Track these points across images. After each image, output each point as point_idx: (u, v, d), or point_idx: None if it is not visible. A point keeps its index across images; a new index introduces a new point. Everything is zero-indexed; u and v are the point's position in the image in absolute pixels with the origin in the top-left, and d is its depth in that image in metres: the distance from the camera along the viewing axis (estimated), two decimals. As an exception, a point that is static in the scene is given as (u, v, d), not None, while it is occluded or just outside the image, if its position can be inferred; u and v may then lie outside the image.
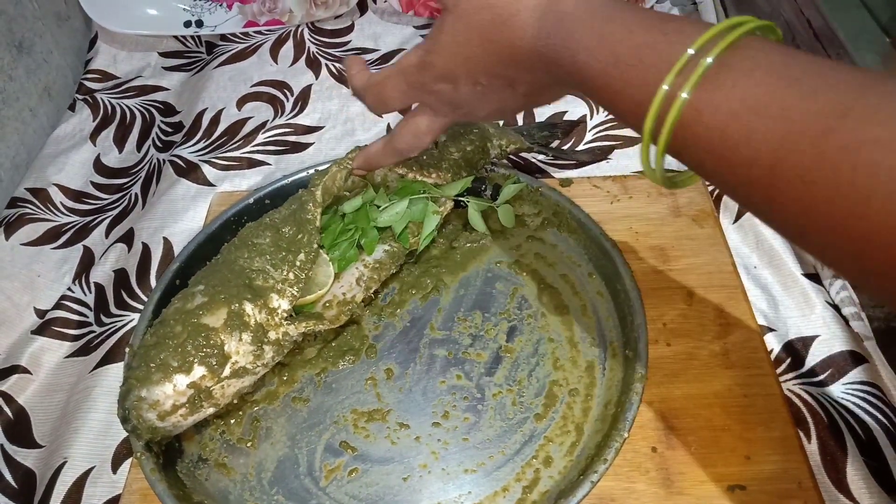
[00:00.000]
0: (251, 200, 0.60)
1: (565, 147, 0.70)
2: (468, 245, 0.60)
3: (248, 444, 0.49)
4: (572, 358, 0.52)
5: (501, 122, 0.72)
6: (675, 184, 0.35)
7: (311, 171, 0.61)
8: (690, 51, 0.28)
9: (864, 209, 0.23)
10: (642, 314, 0.51)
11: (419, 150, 0.48)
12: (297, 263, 0.50)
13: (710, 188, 0.62)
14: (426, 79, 0.41)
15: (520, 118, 0.72)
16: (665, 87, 0.28)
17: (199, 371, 0.44)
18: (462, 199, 0.58)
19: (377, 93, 0.45)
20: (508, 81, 0.38)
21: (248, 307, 0.47)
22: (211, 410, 0.46)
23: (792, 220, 0.26)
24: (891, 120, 0.23)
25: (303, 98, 0.78)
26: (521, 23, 0.35)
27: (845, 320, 0.54)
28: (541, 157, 0.68)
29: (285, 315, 0.48)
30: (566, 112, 0.72)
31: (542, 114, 0.73)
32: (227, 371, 0.45)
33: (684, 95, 0.28)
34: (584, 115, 0.72)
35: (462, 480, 0.47)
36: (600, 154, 0.68)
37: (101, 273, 0.63)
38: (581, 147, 0.70)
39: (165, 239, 0.64)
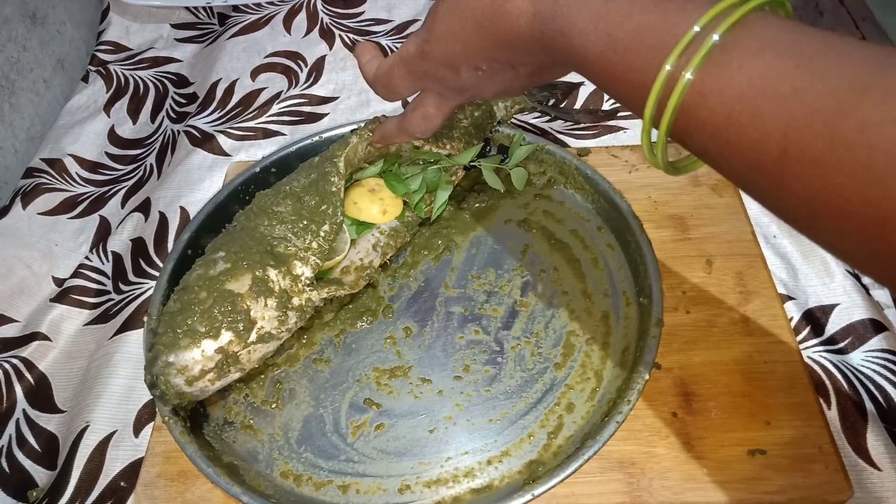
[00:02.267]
0: (257, 169, 0.61)
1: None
2: (477, 205, 0.60)
3: (273, 406, 0.49)
4: (587, 309, 0.53)
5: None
6: (678, 169, 0.34)
7: (316, 138, 0.62)
8: (696, 27, 0.26)
9: (881, 193, 0.22)
10: (654, 261, 0.52)
11: (430, 132, 0.48)
12: (322, 234, 0.50)
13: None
14: (428, 67, 0.41)
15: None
16: (668, 67, 0.27)
17: (226, 336, 0.44)
18: (473, 162, 0.58)
19: (385, 83, 0.45)
20: (509, 64, 0.38)
21: (272, 273, 0.47)
22: (237, 375, 0.47)
23: (803, 207, 0.25)
24: None
25: (317, 69, 0.78)
26: (516, 8, 0.34)
27: (866, 289, 0.54)
28: (556, 125, 0.68)
29: (308, 282, 0.48)
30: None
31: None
32: (253, 336, 0.45)
33: (688, 76, 0.26)
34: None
35: (488, 430, 0.47)
36: (604, 116, 0.68)
37: (119, 242, 0.63)
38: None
39: (182, 208, 0.64)
